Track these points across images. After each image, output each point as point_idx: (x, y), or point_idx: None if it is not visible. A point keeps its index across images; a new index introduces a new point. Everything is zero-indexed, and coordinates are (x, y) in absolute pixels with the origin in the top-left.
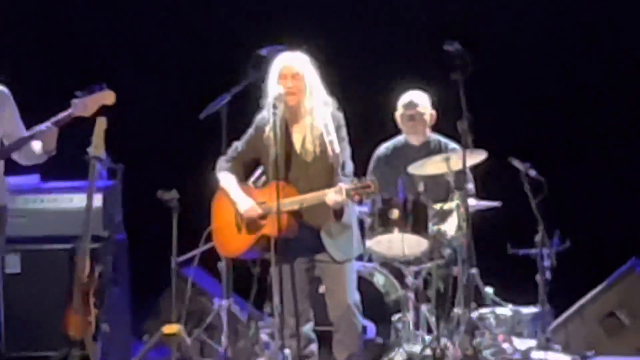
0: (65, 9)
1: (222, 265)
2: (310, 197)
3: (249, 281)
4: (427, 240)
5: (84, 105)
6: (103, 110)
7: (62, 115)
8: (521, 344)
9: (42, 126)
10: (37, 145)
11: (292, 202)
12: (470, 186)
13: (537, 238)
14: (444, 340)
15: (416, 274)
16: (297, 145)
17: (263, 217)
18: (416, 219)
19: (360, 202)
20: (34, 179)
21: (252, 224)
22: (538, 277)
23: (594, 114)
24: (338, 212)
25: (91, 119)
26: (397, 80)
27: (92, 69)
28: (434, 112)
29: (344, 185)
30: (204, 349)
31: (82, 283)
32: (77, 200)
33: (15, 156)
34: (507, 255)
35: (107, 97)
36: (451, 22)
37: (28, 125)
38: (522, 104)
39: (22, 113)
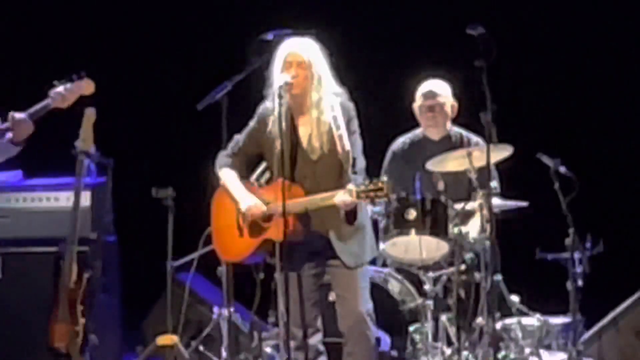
0: None
1: (222, 271)
2: (317, 199)
3: (251, 288)
4: (446, 244)
5: (62, 96)
6: (92, 100)
7: (38, 106)
8: (550, 357)
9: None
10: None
11: (298, 204)
12: (495, 184)
13: (568, 241)
14: (465, 353)
15: (435, 281)
16: (304, 141)
17: (267, 219)
18: (435, 220)
19: (372, 203)
20: (16, 175)
21: (254, 227)
22: (569, 284)
23: (632, 107)
24: (350, 215)
25: (77, 109)
26: (415, 68)
27: (78, 56)
28: (455, 103)
29: (354, 187)
30: None
31: (68, 290)
32: (64, 199)
33: None
34: (535, 260)
35: (86, 87)
36: (475, 3)
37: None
38: (552, 94)
39: None
